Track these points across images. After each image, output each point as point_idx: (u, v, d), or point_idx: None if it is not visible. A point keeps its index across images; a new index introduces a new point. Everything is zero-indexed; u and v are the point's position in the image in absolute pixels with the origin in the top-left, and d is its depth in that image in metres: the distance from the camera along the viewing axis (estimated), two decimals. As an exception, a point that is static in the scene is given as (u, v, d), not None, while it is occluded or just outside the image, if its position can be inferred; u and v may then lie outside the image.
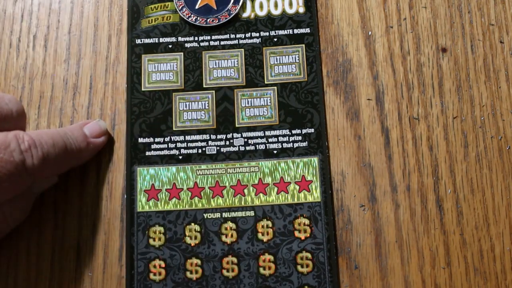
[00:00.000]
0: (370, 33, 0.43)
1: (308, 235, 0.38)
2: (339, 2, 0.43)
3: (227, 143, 0.40)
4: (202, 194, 0.39)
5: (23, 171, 0.33)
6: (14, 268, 0.38)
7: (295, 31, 0.42)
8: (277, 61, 0.42)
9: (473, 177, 0.40)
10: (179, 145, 0.40)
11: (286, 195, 0.39)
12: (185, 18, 0.42)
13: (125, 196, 0.39)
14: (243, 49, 0.42)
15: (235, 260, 0.38)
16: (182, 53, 0.42)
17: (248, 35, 0.42)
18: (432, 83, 0.41)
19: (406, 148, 0.40)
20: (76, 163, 0.38)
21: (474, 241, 0.38)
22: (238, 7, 0.42)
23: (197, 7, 0.42)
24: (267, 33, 0.42)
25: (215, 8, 0.42)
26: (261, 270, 0.38)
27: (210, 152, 0.40)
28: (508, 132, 0.40)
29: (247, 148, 0.40)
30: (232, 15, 0.41)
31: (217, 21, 0.40)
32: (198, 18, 0.41)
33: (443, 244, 0.38)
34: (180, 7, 0.42)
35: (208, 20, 0.41)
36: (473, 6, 0.43)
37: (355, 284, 0.38)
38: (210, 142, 0.40)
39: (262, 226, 0.38)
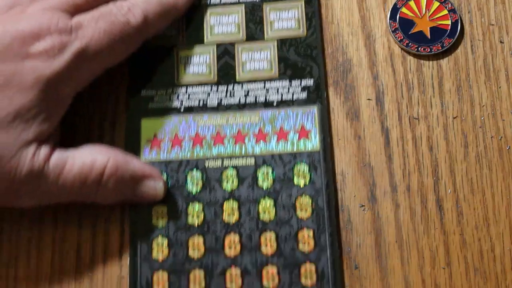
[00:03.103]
0: (370, 33, 0.43)
1: (307, 181, 0.39)
2: (339, 2, 0.43)
3: (228, 94, 0.41)
4: (203, 143, 0.40)
5: (130, 29, 0.38)
6: (14, 268, 0.38)
7: None
8: (276, 16, 0.43)
9: (473, 177, 0.40)
10: (181, 97, 0.41)
11: (286, 143, 0.40)
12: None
13: (125, 146, 0.40)
14: (243, 5, 0.43)
15: (236, 205, 0.39)
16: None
17: None
18: (432, 83, 0.41)
19: (406, 148, 0.40)
20: (177, 14, 0.42)
21: (474, 241, 0.38)
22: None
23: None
24: None
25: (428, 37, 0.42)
26: (261, 215, 0.39)
27: (211, 104, 0.41)
28: (508, 132, 0.40)
29: (248, 99, 0.41)
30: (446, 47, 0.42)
31: (428, 50, 0.41)
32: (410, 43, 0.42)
33: (443, 244, 0.38)
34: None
35: (420, 48, 0.41)
36: (473, 6, 0.43)
37: (355, 284, 0.38)
38: (211, 94, 0.41)
39: (262, 173, 0.39)
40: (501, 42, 0.42)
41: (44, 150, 0.35)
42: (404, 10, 0.43)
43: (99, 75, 0.39)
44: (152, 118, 0.41)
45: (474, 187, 0.39)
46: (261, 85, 0.41)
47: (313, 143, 0.40)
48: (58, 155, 0.36)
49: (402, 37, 0.42)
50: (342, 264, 0.38)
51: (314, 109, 0.40)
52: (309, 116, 0.40)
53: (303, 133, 0.40)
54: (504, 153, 0.40)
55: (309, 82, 0.41)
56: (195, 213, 0.39)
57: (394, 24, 0.42)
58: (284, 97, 0.41)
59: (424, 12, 0.43)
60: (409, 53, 0.42)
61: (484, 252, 0.38)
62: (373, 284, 0.38)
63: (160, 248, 0.38)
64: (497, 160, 0.40)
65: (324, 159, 0.39)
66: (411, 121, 0.41)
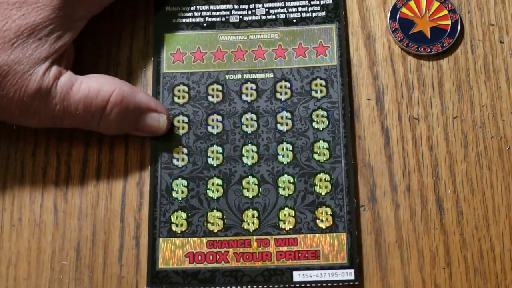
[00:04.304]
0: (370, 33, 0.43)
1: (324, 94, 0.41)
2: (339, 2, 0.43)
3: (250, 12, 0.43)
4: (224, 58, 0.42)
5: None
6: (14, 268, 0.38)
7: None
8: None
9: (473, 177, 0.40)
10: (204, 13, 0.43)
11: (304, 59, 0.42)
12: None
13: (152, 58, 0.42)
14: None
15: (254, 117, 0.41)
16: None
17: None
18: (432, 83, 0.41)
19: (406, 148, 0.40)
20: None
21: (474, 241, 0.38)
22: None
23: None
24: None
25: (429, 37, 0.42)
26: (279, 126, 0.40)
27: (233, 20, 0.43)
28: (508, 132, 0.40)
29: (268, 17, 0.43)
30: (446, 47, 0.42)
31: (428, 50, 0.41)
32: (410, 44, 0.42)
33: (443, 244, 0.38)
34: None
35: (420, 48, 0.41)
36: (473, 6, 0.43)
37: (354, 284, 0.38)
38: (233, 11, 0.43)
39: (281, 87, 0.41)
40: (501, 42, 0.42)
41: (55, 69, 0.37)
42: (404, 10, 0.43)
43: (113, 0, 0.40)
44: (175, 33, 0.42)
45: (474, 187, 0.39)
46: (281, 3, 0.43)
47: (331, 58, 0.41)
48: (68, 77, 0.37)
49: (402, 37, 0.42)
50: (356, 175, 0.39)
51: (332, 27, 0.42)
52: (328, 34, 0.42)
53: (321, 50, 0.41)
54: (504, 153, 0.40)
55: (328, 1, 0.42)
56: (214, 124, 0.40)
57: (394, 24, 0.42)
58: (304, 15, 0.42)
59: (424, 12, 0.43)
60: (409, 53, 0.42)
61: (484, 252, 0.38)
62: (373, 284, 0.38)
63: (180, 157, 0.40)
64: (497, 160, 0.40)
65: (341, 74, 0.41)
66: (411, 121, 0.41)
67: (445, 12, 0.42)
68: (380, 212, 0.39)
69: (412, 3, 0.43)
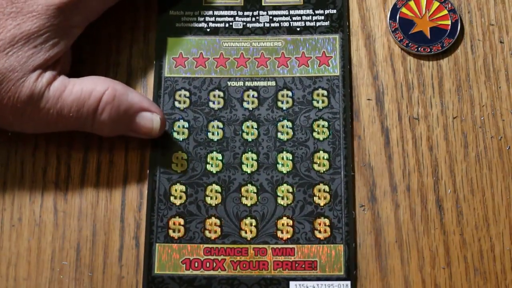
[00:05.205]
0: (370, 33, 0.43)
1: (326, 105, 0.41)
2: (339, 2, 0.43)
3: (253, 19, 0.43)
4: (227, 64, 0.42)
5: None
6: (14, 268, 0.38)
7: None
8: None
9: (473, 177, 0.40)
10: (207, 19, 0.43)
11: (307, 68, 0.41)
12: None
13: (154, 62, 0.42)
14: None
15: (255, 125, 0.41)
16: None
17: None
18: (432, 83, 0.41)
19: (406, 148, 0.40)
20: None
21: (474, 241, 0.38)
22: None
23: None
24: None
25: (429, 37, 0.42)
26: (279, 135, 0.40)
27: (237, 27, 0.42)
28: (508, 132, 0.40)
29: (272, 25, 0.42)
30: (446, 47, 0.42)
31: (428, 50, 0.41)
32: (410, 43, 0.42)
33: (443, 244, 0.38)
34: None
35: (420, 48, 0.41)
36: (473, 6, 0.43)
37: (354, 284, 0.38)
38: (237, 18, 0.43)
39: (282, 95, 0.41)
40: (501, 42, 0.42)
41: (48, 74, 0.37)
42: (404, 10, 0.43)
43: (111, 5, 0.40)
44: (178, 37, 0.42)
45: (474, 187, 0.39)
46: (285, 12, 0.43)
47: (333, 68, 0.41)
48: (61, 81, 0.37)
49: (402, 37, 0.42)
50: (354, 186, 0.39)
51: (336, 37, 0.42)
52: (331, 44, 0.42)
53: (324, 60, 0.41)
54: (504, 153, 0.40)
55: (332, 11, 0.42)
56: (215, 130, 0.40)
57: (394, 24, 0.42)
58: (307, 24, 0.42)
59: (424, 12, 0.43)
60: (409, 53, 0.42)
61: (484, 252, 0.38)
62: (373, 284, 0.38)
63: (179, 162, 0.40)
64: (497, 160, 0.40)
65: (343, 85, 0.41)
66: (411, 121, 0.41)
67: (445, 12, 0.42)
68: (380, 212, 0.39)
69: (412, 3, 0.43)
